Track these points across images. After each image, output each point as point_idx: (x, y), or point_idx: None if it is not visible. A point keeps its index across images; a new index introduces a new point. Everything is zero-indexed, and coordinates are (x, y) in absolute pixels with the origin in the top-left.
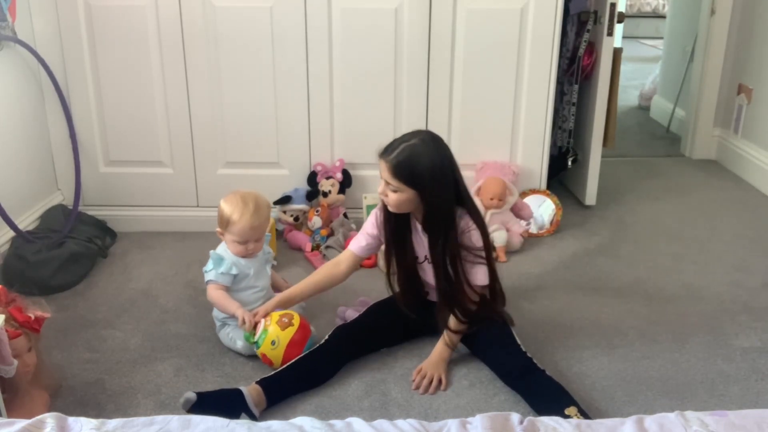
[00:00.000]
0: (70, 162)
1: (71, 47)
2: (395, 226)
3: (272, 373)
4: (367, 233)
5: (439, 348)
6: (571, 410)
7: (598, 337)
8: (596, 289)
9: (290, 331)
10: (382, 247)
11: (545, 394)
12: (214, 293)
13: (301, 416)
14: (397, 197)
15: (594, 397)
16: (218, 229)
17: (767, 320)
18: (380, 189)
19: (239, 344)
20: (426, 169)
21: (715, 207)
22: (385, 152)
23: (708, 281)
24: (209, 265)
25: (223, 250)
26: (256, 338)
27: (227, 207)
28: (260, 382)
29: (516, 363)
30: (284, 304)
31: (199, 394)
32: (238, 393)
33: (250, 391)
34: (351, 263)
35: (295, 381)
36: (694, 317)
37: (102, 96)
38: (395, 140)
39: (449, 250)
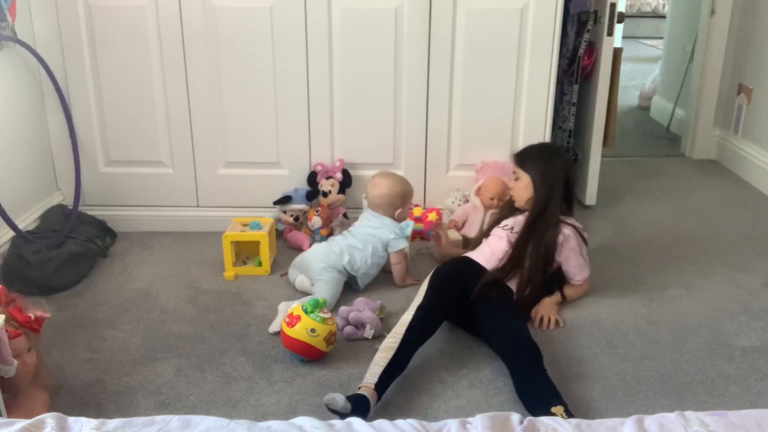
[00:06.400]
0: (70, 162)
1: (71, 47)
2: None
3: (381, 372)
4: None
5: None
6: (557, 409)
7: (598, 337)
8: (596, 289)
9: (320, 342)
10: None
11: (539, 391)
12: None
13: (301, 416)
14: (517, 185)
15: (594, 397)
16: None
17: (767, 320)
18: (511, 184)
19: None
20: (536, 151)
21: (715, 207)
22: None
23: (708, 281)
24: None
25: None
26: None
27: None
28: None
29: (525, 354)
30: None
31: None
32: (365, 399)
33: (371, 395)
34: None
35: (396, 371)
36: (694, 317)
37: (102, 96)
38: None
39: (544, 245)
